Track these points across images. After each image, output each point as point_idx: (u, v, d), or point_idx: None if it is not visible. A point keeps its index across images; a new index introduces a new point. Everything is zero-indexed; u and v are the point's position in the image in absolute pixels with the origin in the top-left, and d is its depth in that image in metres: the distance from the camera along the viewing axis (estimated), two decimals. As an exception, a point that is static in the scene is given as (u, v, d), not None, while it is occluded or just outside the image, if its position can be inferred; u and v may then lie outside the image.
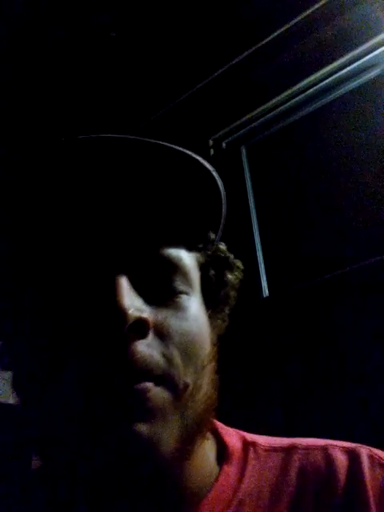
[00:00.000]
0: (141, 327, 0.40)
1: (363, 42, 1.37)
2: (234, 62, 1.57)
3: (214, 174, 0.47)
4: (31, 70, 1.68)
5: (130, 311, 0.39)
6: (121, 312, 0.38)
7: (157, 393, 0.40)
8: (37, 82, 1.72)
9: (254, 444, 0.51)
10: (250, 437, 0.53)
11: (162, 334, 0.42)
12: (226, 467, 0.48)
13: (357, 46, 1.39)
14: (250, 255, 1.33)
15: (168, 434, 0.39)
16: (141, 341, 0.40)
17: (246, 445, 0.51)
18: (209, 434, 0.51)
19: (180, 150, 0.45)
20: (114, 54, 1.69)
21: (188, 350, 0.43)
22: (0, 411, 1.21)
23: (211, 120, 1.57)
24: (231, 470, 0.47)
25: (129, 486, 0.40)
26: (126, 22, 1.60)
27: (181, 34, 1.61)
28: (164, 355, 0.41)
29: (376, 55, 1.37)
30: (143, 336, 0.40)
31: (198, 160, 0.46)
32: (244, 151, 1.58)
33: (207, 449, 0.49)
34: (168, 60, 1.67)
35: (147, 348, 0.40)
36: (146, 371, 0.39)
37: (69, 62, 1.68)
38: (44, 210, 0.46)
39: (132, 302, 0.40)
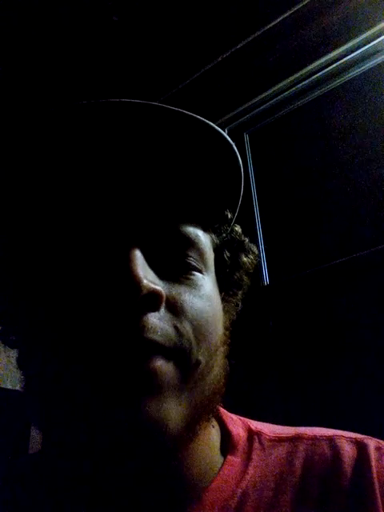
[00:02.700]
0: (154, 300, 0.38)
1: (367, 28, 1.36)
2: (237, 48, 1.55)
3: (235, 148, 0.46)
4: (32, 52, 1.66)
5: (144, 282, 0.37)
6: (134, 282, 0.37)
7: (167, 367, 0.38)
8: (30, 66, 1.70)
9: (259, 433, 0.50)
10: (255, 426, 0.51)
11: (175, 309, 0.41)
12: (230, 457, 0.47)
13: (361, 32, 1.37)
14: (251, 242, 1.31)
15: (176, 412, 0.38)
16: (153, 313, 0.38)
17: (251, 434, 0.50)
18: (214, 422, 0.50)
19: (202, 120, 0.43)
20: (115, 39, 1.67)
21: (202, 328, 0.42)
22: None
23: (214, 106, 1.56)
24: (235, 460, 0.47)
25: (133, 467, 0.39)
26: (128, 6, 1.58)
27: (184, 19, 1.59)
28: (177, 329, 0.40)
29: (380, 41, 1.35)
30: (156, 309, 0.39)
31: (220, 133, 0.44)
32: (247, 138, 1.56)
33: (212, 437, 0.49)
34: (170, 45, 1.65)
35: (159, 321, 0.39)
36: (157, 343, 0.38)
37: (69, 46, 1.66)
38: (62, 177, 0.44)
39: (146, 274, 0.39)
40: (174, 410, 0.38)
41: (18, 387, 1.20)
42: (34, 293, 0.44)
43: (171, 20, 1.60)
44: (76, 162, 0.44)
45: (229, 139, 0.45)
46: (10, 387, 1.19)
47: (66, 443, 0.42)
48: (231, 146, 0.45)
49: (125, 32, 1.65)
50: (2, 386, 1.19)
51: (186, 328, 0.40)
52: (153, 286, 0.38)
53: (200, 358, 0.41)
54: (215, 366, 0.44)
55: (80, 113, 0.41)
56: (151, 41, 1.66)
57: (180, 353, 0.39)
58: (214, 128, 0.44)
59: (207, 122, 0.43)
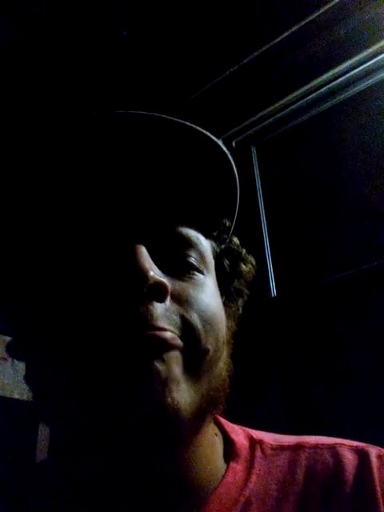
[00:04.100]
0: (159, 291, 0.40)
1: (374, 43, 1.36)
2: (244, 62, 1.57)
3: (229, 157, 0.48)
4: (34, 69, 1.69)
5: (151, 273, 0.39)
6: (140, 272, 0.38)
7: (175, 344, 0.39)
8: (40, 79, 1.72)
9: (260, 442, 0.50)
10: (257, 434, 0.52)
11: (181, 302, 0.42)
12: (233, 465, 0.47)
13: (368, 46, 1.37)
14: (258, 254, 1.31)
15: (185, 399, 0.38)
16: (159, 304, 0.40)
17: (253, 443, 0.50)
18: (216, 430, 0.51)
19: (198, 130, 0.45)
20: (124, 53, 1.70)
21: (209, 319, 0.43)
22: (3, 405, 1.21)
23: (221, 119, 1.56)
24: (238, 467, 0.47)
25: (141, 459, 0.40)
26: (136, 20, 1.60)
27: (192, 34, 1.61)
28: (183, 318, 0.41)
29: (387, 55, 1.35)
30: (161, 300, 0.40)
31: (215, 142, 0.46)
32: (254, 150, 1.57)
33: (215, 444, 0.49)
34: (179, 59, 1.67)
35: (165, 311, 0.40)
36: (164, 329, 0.39)
37: (79, 60, 1.68)
38: (73, 183, 0.46)
39: (151, 266, 0.40)
40: (184, 396, 0.38)
41: (25, 397, 1.20)
42: (42, 292, 0.46)
43: (179, 34, 1.62)
44: (86, 169, 0.46)
45: (224, 148, 0.47)
46: (17, 397, 1.19)
47: (78, 443, 0.43)
48: (226, 155, 0.47)
49: (134, 46, 1.68)
50: (10, 396, 1.19)
51: (193, 317, 0.42)
52: (158, 277, 0.40)
53: (208, 346, 0.42)
54: (221, 360, 0.45)
55: (92, 123, 0.43)
56: (159, 55, 1.68)
57: (188, 340, 0.40)
58: (210, 138, 0.46)
59: (203, 131, 0.45)
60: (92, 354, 0.39)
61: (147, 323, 0.38)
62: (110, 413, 0.37)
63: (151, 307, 0.39)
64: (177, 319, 0.40)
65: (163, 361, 0.38)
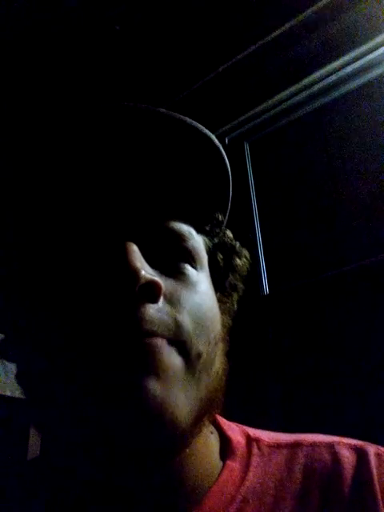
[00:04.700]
0: (152, 291, 0.38)
1: (368, 40, 1.36)
2: (237, 58, 1.56)
3: (222, 151, 0.47)
4: (32, 64, 1.68)
5: (142, 272, 0.37)
6: (132, 272, 0.37)
7: (168, 351, 0.38)
8: (33, 74, 1.71)
9: (257, 440, 0.50)
10: (253, 432, 0.51)
11: (173, 302, 0.41)
12: (229, 462, 0.46)
13: (362, 43, 1.37)
14: (250, 252, 1.30)
15: (182, 401, 0.37)
16: (151, 305, 0.38)
17: (250, 440, 0.50)
18: (212, 428, 0.50)
19: (193, 124, 0.44)
20: (117, 49, 1.69)
21: (200, 321, 0.42)
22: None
23: (214, 115, 1.56)
24: (235, 465, 0.46)
25: (135, 468, 0.39)
26: (129, 16, 1.59)
27: (185, 30, 1.61)
28: (175, 320, 0.40)
29: (381, 53, 1.35)
30: (154, 301, 0.39)
31: (208, 136, 0.46)
32: (247, 147, 1.57)
33: (211, 442, 0.48)
34: (172, 55, 1.66)
35: (157, 312, 0.39)
36: (156, 333, 0.38)
37: (72, 55, 1.67)
38: (61, 178, 0.45)
39: (143, 265, 0.39)
40: (179, 399, 0.37)
41: (16, 395, 1.19)
42: (33, 291, 0.45)
43: (172, 30, 1.62)
44: (75, 163, 0.45)
45: (216, 142, 0.46)
46: (9, 395, 1.18)
47: (69, 444, 0.42)
48: (218, 148, 0.47)
49: (127, 42, 1.67)
50: (1, 393, 1.19)
51: (185, 319, 0.40)
52: (150, 276, 0.38)
53: (201, 349, 0.41)
54: (216, 360, 0.44)
55: (81, 116, 0.43)
56: (153, 51, 1.67)
57: (180, 344, 0.39)
58: (202, 131, 0.45)
59: (196, 124, 0.45)
60: (84, 358, 0.38)
61: (140, 328, 0.37)
62: (104, 421, 0.37)
63: (143, 309, 0.38)
64: (169, 321, 0.39)
65: (159, 377, 0.37)
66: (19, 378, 0.47)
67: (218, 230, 0.53)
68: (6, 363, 1.14)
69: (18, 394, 1.19)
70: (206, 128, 0.45)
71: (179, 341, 0.39)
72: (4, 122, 1.69)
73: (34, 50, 1.66)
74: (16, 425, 1.18)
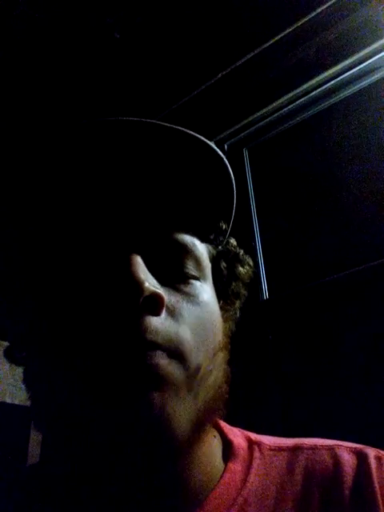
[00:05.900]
0: (155, 303, 0.39)
1: (366, 45, 1.37)
2: (236, 65, 1.57)
3: (225, 161, 0.47)
4: (31, 69, 1.68)
5: (146, 284, 0.38)
6: (136, 283, 0.38)
7: (169, 365, 0.39)
8: (31, 82, 1.72)
9: (259, 443, 0.50)
10: (255, 436, 0.52)
11: (175, 315, 0.41)
12: (231, 465, 0.47)
13: (360, 49, 1.39)
14: (250, 257, 1.31)
15: (181, 412, 0.38)
16: (154, 317, 0.39)
17: (251, 444, 0.50)
18: (215, 432, 0.51)
19: (196, 136, 0.45)
20: (116, 56, 1.70)
21: (201, 334, 0.43)
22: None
23: (214, 122, 1.57)
24: (236, 468, 0.47)
25: (135, 472, 0.39)
26: (129, 23, 1.60)
27: (184, 37, 1.62)
28: (177, 333, 0.40)
29: (379, 58, 1.36)
30: (157, 313, 0.39)
31: (212, 147, 0.46)
32: (246, 153, 1.57)
33: (213, 446, 0.49)
34: (171, 62, 1.67)
35: (160, 325, 0.39)
36: (158, 345, 0.38)
37: (71, 62, 1.68)
38: (67, 191, 0.46)
39: (146, 277, 0.39)
40: (178, 410, 0.38)
41: (16, 401, 1.19)
42: (38, 302, 0.45)
43: (171, 37, 1.62)
44: (79, 177, 0.45)
45: (219, 152, 0.47)
46: (8, 401, 1.18)
47: (70, 450, 0.42)
48: (222, 158, 0.47)
49: (126, 49, 1.67)
50: (1, 400, 1.18)
51: (186, 333, 0.41)
52: (154, 288, 0.39)
53: (200, 362, 0.41)
54: (216, 371, 0.44)
55: (83, 132, 0.43)
56: (152, 58, 1.68)
57: (181, 355, 0.40)
58: (205, 142, 0.45)
59: (198, 136, 0.45)
60: (87, 366, 0.39)
61: (142, 340, 0.38)
62: (106, 427, 0.37)
63: (146, 321, 0.38)
64: (171, 334, 0.40)
65: (158, 388, 0.37)
66: (26, 381, 0.48)
67: (221, 238, 0.53)
68: (6, 369, 1.14)
69: (17, 400, 1.19)
70: (205, 135, 0.46)
71: (179, 353, 0.40)
72: (5, 132, 1.69)
73: (34, 58, 1.66)
74: (16, 431, 1.18)
